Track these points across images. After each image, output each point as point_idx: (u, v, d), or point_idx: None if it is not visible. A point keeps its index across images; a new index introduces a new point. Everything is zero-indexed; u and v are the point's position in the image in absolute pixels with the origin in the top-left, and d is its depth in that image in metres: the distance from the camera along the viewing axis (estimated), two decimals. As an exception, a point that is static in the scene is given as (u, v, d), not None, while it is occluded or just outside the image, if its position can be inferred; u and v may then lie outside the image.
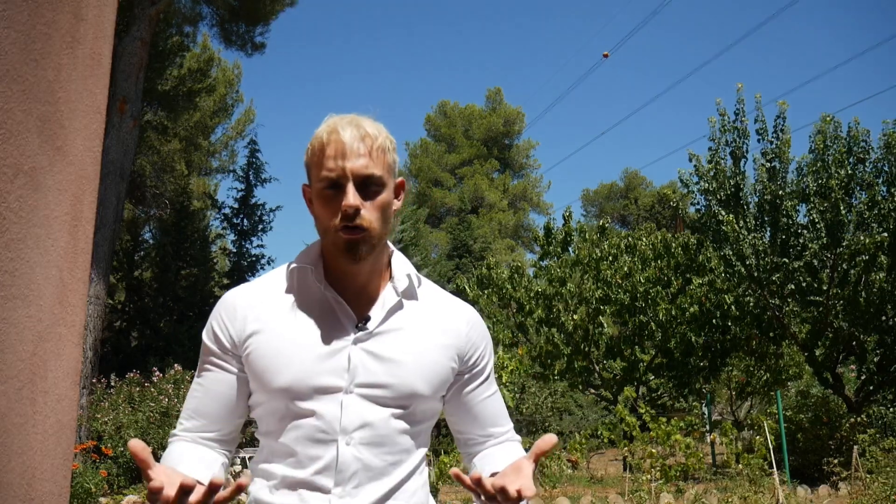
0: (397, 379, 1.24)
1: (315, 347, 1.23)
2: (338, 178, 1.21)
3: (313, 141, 1.26)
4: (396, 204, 1.30)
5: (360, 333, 1.25)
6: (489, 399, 1.39)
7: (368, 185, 1.22)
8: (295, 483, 1.21)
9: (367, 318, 1.27)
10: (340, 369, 1.22)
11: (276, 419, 1.25)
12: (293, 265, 1.31)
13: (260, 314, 1.27)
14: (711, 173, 10.55)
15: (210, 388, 1.29)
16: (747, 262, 9.97)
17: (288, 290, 1.30)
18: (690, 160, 10.84)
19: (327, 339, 1.24)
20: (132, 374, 11.32)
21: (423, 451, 1.33)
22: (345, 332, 1.25)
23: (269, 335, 1.25)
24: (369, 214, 1.22)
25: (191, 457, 1.25)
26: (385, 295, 1.30)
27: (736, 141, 10.54)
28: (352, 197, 1.19)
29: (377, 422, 1.22)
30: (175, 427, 1.32)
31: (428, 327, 1.31)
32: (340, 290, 1.28)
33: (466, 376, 1.36)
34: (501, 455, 1.35)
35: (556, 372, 12.70)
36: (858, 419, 9.76)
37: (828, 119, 10.27)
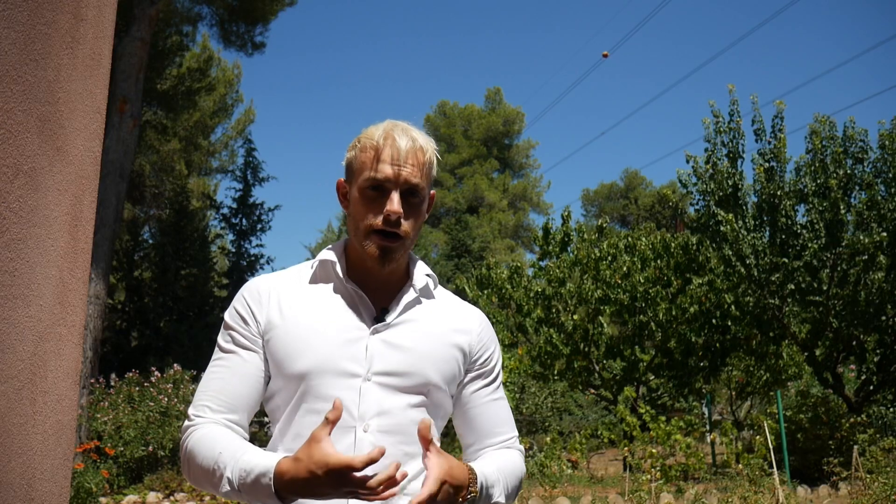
0: (413, 367, 1.27)
1: (335, 335, 1.27)
2: (386, 182, 1.25)
3: (364, 141, 1.29)
4: (425, 215, 1.35)
5: (379, 324, 1.29)
6: (493, 403, 1.40)
7: (412, 196, 1.28)
8: None
9: (386, 310, 1.31)
10: (359, 357, 1.25)
11: (293, 406, 1.26)
12: (318, 258, 1.36)
13: (283, 302, 1.30)
14: (709, 174, 10.56)
15: (235, 368, 1.28)
16: (747, 262, 9.98)
17: (311, 282, 1.34)
18: (688, 161, 10.85)
19: (347, 328, 1.28)
20: (132, 374, 11.32)
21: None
22: (364, 323, 1.29)
23: (290, 322, 1.28)
24: (407, 224, 1.27)
25: (242, 440, 1.21)
26: (404, 291, 1.34)
27: (731, 142, 10.55)
28: (397, 203, 1.25)
29: (394, 409, 1.24)
30: (191, 411, 1.28)
31: (441, 323, 1.35)
32: (361, 284, 1.32)
33: (472, 374, 1.38)
34: (485, 460, 1.32)
35: (555, 372, 12.70)
36: (858, 419, 9.76)
37: (822, 119, 10.29)
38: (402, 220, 1.26)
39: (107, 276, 11.44)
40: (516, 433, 1.43)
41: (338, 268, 1.32)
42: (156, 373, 10.98)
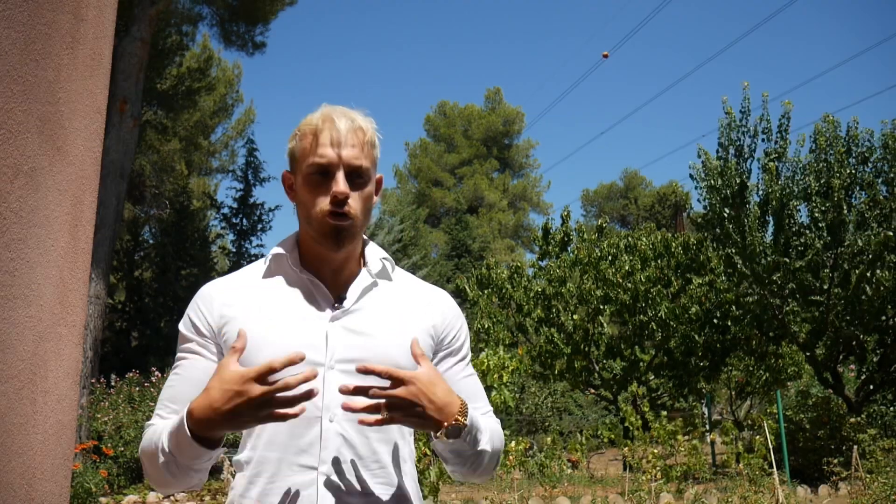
0: (377, 351, 1.25)
1: (293, 326, 1.25)
2: (329, 164, 1.25)
3: (303, 127, 1.28)
4: (375, 198, 1.34)
5: (337, 311, 1.28)
6: (466, 379, 1.38)
7: (357, 176, 1.27)
8: (281, 463, 1.21)
9: (344, 297, 1.30)
10: (319, 345, 1.24)
11: None
12: (271, 253, 1.35)
13: (236, 301, 1.29)
14: (718, 170, 10.50)
15: (187, 375, 1.28)
16: (756, 260, 9.96)
17: (265, 277, 1.33)
18: (699, 156, 10.82)
19: (305, 318, 1.27)
20: (132, 374, 11.33)
21: (408, 438, 1.32)
22: (322, 311, 1.28)
23: (246, 318, 1.26)
24: (356, 204, 1.26)
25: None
26: (360, 277, 1.33)
27: (740, 139, 10.52)
28: (342, 184, 1.24)
29: (360, 396, 1.21)
30: (151, 420, 1.30)
31: (403, 305, 1.34)
32: (317, 274, 1.31)
33: (442, 354, 1.36)
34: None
35: (556, 372, 12.70)
36: (859, 419, 9.76)
37: (830, 119, 10.27)
38: (349, 201, 1.25)
39: (107, 276, 11.45)
40: (490, 407, 1.42)
41: (290, 259, 1.31)
42: (156, 373, 11.00)
